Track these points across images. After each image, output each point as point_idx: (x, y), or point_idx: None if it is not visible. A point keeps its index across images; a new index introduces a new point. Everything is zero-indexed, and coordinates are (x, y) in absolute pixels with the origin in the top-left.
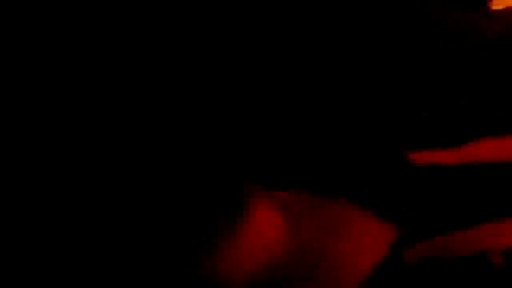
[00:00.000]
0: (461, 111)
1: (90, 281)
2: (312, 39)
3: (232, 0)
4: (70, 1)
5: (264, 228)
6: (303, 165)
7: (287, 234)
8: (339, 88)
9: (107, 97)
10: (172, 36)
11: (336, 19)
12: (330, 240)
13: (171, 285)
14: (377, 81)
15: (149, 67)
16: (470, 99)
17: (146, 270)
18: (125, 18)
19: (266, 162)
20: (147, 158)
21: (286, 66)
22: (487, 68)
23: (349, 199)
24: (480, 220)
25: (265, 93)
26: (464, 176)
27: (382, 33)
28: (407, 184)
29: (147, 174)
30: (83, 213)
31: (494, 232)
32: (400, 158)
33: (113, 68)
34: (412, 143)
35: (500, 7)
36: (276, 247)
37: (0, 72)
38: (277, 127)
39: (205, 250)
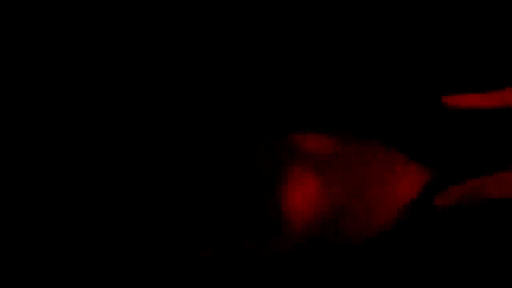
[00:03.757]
0: (496, 55)
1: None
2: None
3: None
4: (70, 1)
5: (299, 192)
6: (335, 109)
7: (322, 186)
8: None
9: (107, 97)
10: (172, 36)
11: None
12: (362, 183)
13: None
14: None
15: (149, 64)
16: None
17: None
18: (125, 18)
19: (302, 107)
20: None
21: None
22: None
23: (383, 142)
24: None
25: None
26: (498, 120)
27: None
28: (441, 127)
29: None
30: (85, 212)
31: None
32: (435, 102)
33: (113, 68)
34: (447, 87)
35: None
36: (313, 202)
37: (0, 72)
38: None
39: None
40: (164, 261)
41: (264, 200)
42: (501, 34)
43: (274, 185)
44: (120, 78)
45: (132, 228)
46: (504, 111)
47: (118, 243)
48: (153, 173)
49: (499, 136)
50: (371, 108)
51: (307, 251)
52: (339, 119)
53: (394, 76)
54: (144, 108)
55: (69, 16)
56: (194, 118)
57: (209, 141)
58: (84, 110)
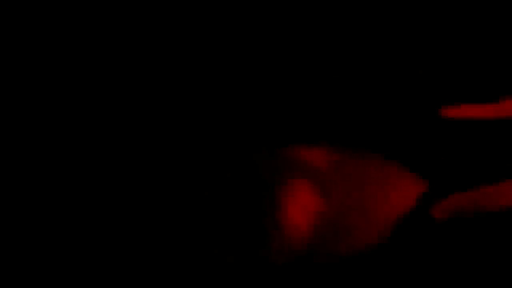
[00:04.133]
0: (495, 66)
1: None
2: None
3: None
4: (70, 1)
5: (300, 201)
6: (332, 120)
7: (319, 198)
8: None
9: (107, 97)
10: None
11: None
12: (360, 193)
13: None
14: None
15: (149, 65)
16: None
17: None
18: (125, 18)
19: (297, 119)
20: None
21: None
22: None
23: (379, 153)
24: (510, 175)
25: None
26: (496, 131)
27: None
28: (438, 138)
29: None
30: (85, 212)
31: None
32: (433, 112)
33: (113, 68)
34: (446, 98)
35: None
36: (311, 214)
37: (0, 72)
38: (304, 84)
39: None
40: (163, 261)
41: (262, 211)
42: (500, 45)
43: (273, 197)
44: (120, 79)
45: (132, 228)
46: (501, 122)
47: (118, 243)
48: (153, 173)
49: (497, 147)
50: (369, 119)
51: (304, 262)
52: (337, 131)
53: (392, 87)
54: (144, 109)
55: (69, 16)
56: (195, 123)
57: (210, 148)
58: (84, 110)
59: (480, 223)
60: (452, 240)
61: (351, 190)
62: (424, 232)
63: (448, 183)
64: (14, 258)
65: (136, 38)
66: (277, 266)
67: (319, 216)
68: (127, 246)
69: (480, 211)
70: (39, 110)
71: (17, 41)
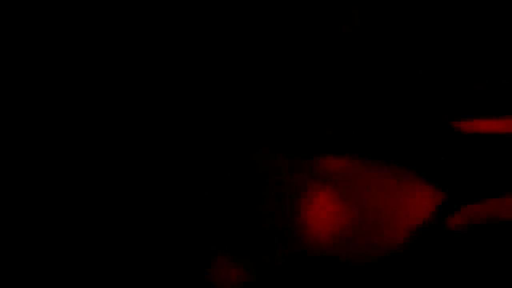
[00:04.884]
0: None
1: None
2: None
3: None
4: (70, 1)
5: (318, 209)
6: (350, 130)
7: (336, 207)
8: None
9: (107, 97)
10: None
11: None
12: (377, 203)
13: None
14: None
15: (149, 65)
16: None
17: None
18: (125, 18)
19: (314, 130)
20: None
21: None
22: None
23: (397, 163)
24: None
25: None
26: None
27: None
28: (455, 149)
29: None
30: (85, 212)
31: None
32: (449, 125)
33: (113, 68)
34: (460, 111)
35: None
36: (330, 220)
37: (0, 72)
38: (319, 92)
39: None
40: (163, 261)
41: (282, 216)
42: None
43: (292, 203)
44: (120, 78)
45: (132, 228)
46: None
47: (118, 243)
48: (153, 173)
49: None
50: (386, 130)
51: (320, 268)
52: (356, 141)
53: (410, 97)
54: (144, 109)
55: (69, 16)
56: (195, 123)
57: (210, 148)
58: (84, 110)
59: (496, 234)
60: (468, 252)
61: (369, 199)
62: (440, 242)
63: (465, 194)
64: (14, 258)
65: (136, 38)
66: (279, 268)
67: (337, 223)
68: (127, 246)
69: (496, 222)
70: (39, 110)
71: (17, 41)
